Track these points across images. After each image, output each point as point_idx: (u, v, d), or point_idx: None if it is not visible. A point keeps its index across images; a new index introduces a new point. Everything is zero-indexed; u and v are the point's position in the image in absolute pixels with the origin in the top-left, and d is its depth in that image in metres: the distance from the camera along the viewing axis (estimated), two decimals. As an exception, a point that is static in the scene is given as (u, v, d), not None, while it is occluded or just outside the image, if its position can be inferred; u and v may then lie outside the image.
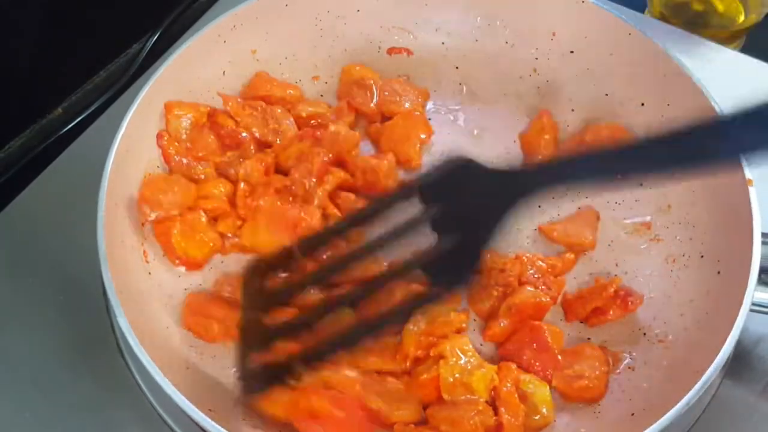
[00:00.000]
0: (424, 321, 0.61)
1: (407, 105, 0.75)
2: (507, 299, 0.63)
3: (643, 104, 0.72)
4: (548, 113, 0.74)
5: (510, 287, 0.64)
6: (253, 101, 0.72)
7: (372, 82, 0.76)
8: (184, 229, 0.65)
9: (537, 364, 0.60)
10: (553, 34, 0.76)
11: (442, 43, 0.80)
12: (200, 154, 0.70)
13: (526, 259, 0.65)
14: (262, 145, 0.71)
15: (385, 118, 0.76)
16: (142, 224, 0.66)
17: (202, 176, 0.69)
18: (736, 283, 0.57)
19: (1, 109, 0.76)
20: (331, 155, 0.69)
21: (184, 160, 0.69)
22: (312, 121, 0.74)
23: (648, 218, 0.70)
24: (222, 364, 0.62)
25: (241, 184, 0.67)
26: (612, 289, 0.63)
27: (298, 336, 0.58)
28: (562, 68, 0.77)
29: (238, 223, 0.67)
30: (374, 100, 0.76)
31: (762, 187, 0.61)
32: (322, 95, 0.78)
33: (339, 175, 0.69)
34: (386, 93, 0.76)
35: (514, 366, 0.59)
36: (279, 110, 0.72)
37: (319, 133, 0.70)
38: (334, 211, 0.67)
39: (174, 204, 0.65)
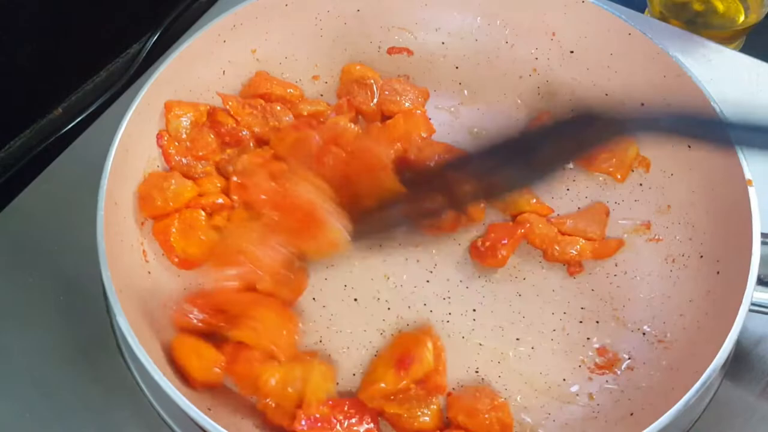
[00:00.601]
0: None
1: (407, 104, 0.75)
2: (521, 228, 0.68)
3: (643, 104, 0.72)
4: (548, 115, 0.74)
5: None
6: (252, 99, 0.72)
7: (372, 81, 0.76)
8: (182, 228, 0.65)
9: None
10: (553, 34, 0.76)
11: (442, 43, 0.80)
12: (200, 153, 0.70)
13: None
14: (262, 143, 0.71)
15: (385, 117, 0.76)
16: (142, 224, 0.66)
17: (202, 175, 0.69)
18: (735, 283, 0.57)
19: (1, 109, 0.76)
20: (326, 138, 0.69)
21: (184, 160, 0.69)
22: (313, 120, 0.74)
23: (648, 218, 0.70)
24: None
25: (234, 178, 0.67)
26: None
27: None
28: (562, 68, 0.77)
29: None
30: (374, 100, 0.76)
31: (761, 187, 0.61)
32: (322, 95, 0.78)
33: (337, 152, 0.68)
34: (386, 92, 0.76)
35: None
36: (278, 107, 0.72)
37: (314, 122, 0.71)
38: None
39: (170, 200, 0.65)
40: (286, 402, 0.58)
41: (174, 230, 0.64)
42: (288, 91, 0.75)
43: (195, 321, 0.61)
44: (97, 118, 0.79)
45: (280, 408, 0.58)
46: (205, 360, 0.59)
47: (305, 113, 0.74)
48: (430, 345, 0.61)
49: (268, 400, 0.59)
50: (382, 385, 0.58)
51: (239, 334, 0.59)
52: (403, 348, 0.61)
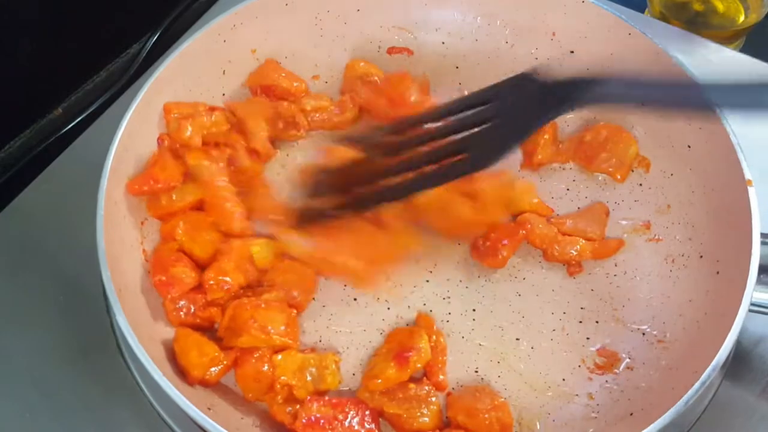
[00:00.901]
0: None
1: (413, 98, 0.75)
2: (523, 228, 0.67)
3: (643, 104, 0.72)
4: None
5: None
6: (259, 101, 0.73)
7: (376, 78, 0.76)
8: (188, 229, 0.65)
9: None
10: (553, 34, 0.76)
11: (442, 42, 0.80)
12: None
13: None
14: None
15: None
16: (142, 224, 0.66)
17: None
18: (735, 283, 0.57)
19: (1, 109, 0.76)
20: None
21: None
22: (316, 115, 0.74)
23: (647, 218, 0.70)
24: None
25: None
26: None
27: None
28: (563, 68, 0.76)
29: None
30: (379, 96, 0.75)
31: (761, 187, 0.61)
32: (322, 95, 0.78)
33: None
34: (390, 89, 0.75)
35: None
36: (286, 104, 0.73)
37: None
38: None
39: (176, 200, 0.66)
40: (302, 391, 0.59)
41: (180, 231, 0.64)
42: (294, 84, 0.75)
43: (183, 315, 0.62)
44: (97, 118, 0.79)
45: (286, 404, 0.59)
46: (206, 357, 0.59)
47: (309, 108, 0.74)
48: (425, 336, 0.61)
49: (278, 396, 0.59)
50: (381, 380, 0.59)
51: (247, 339, 0.59)
52: (400, 342, 0.62)
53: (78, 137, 0.77)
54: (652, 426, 0.51)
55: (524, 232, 0.67)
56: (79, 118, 0.81)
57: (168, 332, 0.62)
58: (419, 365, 0.60)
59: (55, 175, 0.74)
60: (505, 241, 0.67)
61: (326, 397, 0.58)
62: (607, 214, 0.70)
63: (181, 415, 0.60)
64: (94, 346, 0.65)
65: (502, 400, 0.60)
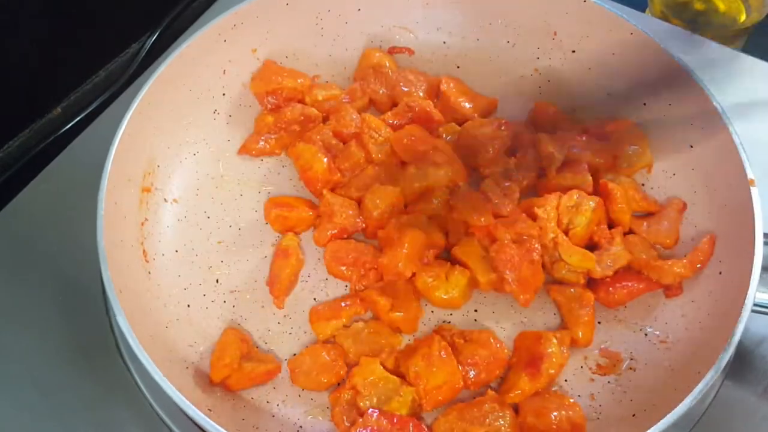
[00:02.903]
0: None
1: (420, 94, 0.75)
2: None
3: (645, 104, 0.72)
4: (549, 105, 0.74)
5: None
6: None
7: (389, 69, 0.76)
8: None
9: None
10: (555, 34, 0.76)
11: (444, 42, 0.80)
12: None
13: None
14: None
15: (395, 105, 0.75)
16: (142, 224, 0.65)
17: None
18: (737, 283, 0.57)
19: (0, 109, 0.76)
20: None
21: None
22: (327, 104, 0.75)
23: (649, 218, 0.70)
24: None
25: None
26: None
27: None
28: (564, 68, 0.77)
29: None
30: (388, 89, 0.76)
31: (764, 187, 0.61)
32: (322, 94, 0.78)
33: None
34: (401, 83, 0.75)
35: None
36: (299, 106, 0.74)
37: None
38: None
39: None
40: (366, 402, 0.59)
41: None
42: (298, 81, 0.75)
43: None
44: (96, 118, 0.78)
45: (348, 409, 0.59)
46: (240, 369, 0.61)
47: (320, 98, 0.75)
48: (554, 340, 0.60)
49: (343, 396, 0.59)
50: (518, 392, 0.59)
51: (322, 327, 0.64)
52: (527, 348, 0.61)
53: (77, 137, 0.77)
54: (654, 427, 0.51)
55: (641, 286, 0.65)
56: (78, 118, 0.81)
57: (168, 332, 0.62)
58: (552, 371, 0.59)
59: (54, 175, 0.74)
60: (629, 284, 0.64)
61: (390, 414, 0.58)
62: (681, 211, 0.67)
63: (180, 415, 0.60)
64: (93, 346, 0.65)
65: (572, 401, 0.59)
